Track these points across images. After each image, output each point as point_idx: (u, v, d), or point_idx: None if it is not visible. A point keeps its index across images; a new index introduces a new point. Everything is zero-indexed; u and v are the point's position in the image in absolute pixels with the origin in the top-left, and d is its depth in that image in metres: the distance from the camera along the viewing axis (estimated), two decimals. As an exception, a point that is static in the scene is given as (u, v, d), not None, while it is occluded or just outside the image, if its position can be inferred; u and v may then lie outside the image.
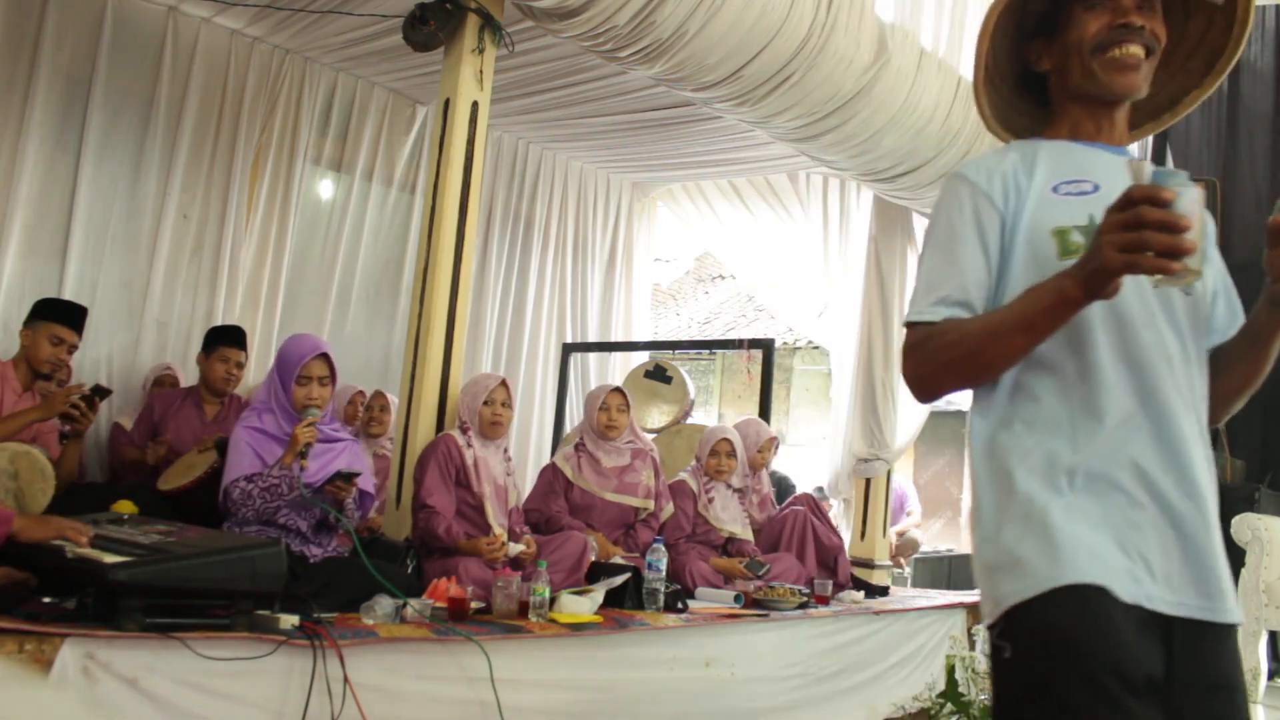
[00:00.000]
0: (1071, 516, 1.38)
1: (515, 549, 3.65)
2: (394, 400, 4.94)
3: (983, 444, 1.49)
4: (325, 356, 3.41)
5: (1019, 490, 1.41)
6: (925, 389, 1.52)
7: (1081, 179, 1.52)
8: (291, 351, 3.43)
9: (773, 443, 5.13)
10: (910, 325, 1.52)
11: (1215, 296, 1.57)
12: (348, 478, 3.28)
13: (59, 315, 3.87)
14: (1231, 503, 5.13)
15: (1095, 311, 1.41)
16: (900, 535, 7.58)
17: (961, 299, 1.48)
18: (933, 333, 1.48)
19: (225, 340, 4.37)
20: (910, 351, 1.51)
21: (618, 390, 4.50)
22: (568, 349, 6.68)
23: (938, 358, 1.47)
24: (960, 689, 3.42)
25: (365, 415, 4.95)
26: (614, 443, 4.43)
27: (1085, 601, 1.33)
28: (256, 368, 5.12)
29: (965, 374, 1.48)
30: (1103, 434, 1.41)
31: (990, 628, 1.43)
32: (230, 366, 4.33)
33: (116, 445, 4.44)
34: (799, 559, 4.75)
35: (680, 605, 3.74)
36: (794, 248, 6.93)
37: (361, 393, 5.09)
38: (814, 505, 5.02)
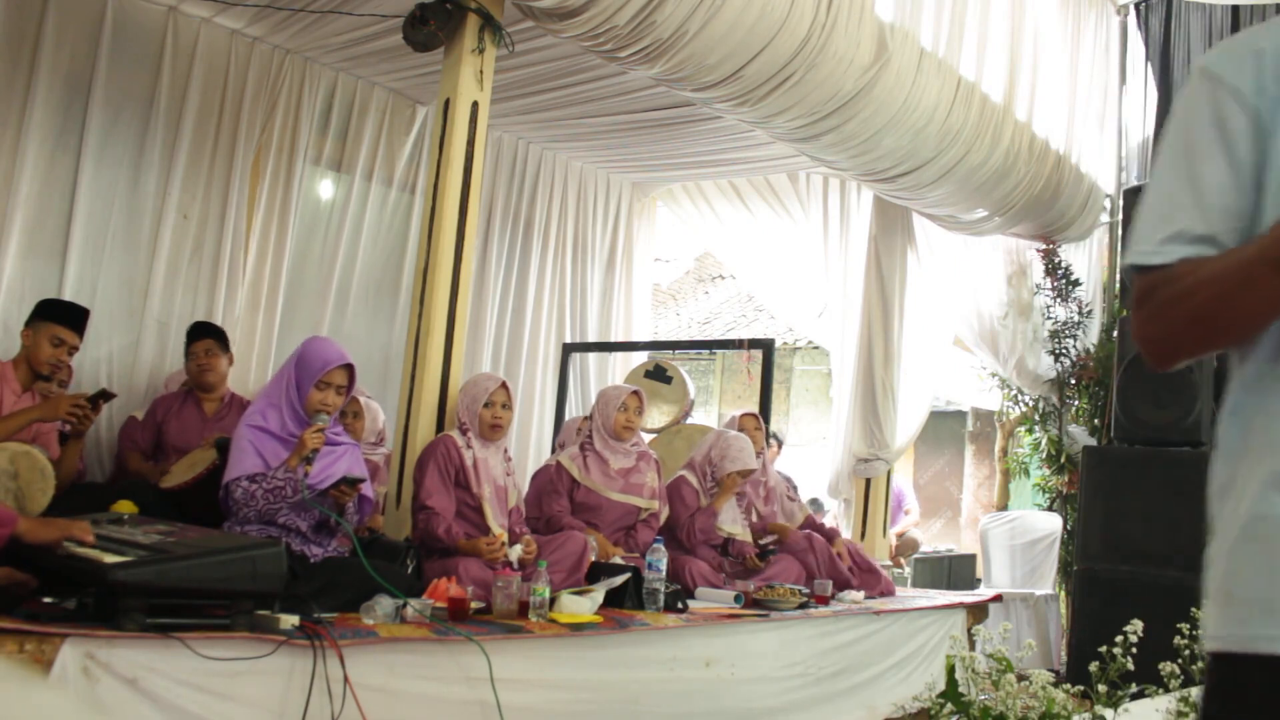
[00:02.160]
0: None
1: (514, 553, 3.64)
2: (371, 404, 4.89)
3: (1228, 415, 1.15)
4: (349, 368, 3.43)
5: (1250, 495, 1.08)
6: (1159, 353, 1.16)
7: None
8: (316, 354, 3.43)
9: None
10: (1137, 270, 1.16)
11: None
12: (352, 483, 3.30)
13: (60, 316, 3.87)
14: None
15: None
16: (900, 535, 7.58)
17: (1203, 233, 1.11)
18: (1164, 279, 1.12)
19: (192, 337, 4.45)
20: (1138, 305, 1.15)
21: (636, 392, 4.50)
22: (568, 349, 6.68)
23: (1170, 313, 1.11)
24: (960, 689, 3.41)
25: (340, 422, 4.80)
26: (623, 444, 4.42)
27: None
28: (257, 367, 5.13)
29: (1207, 333, 1.11)
30: None
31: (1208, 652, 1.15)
32: (199, 359, 4.37)
33: (127, 439, 4.44)
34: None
35: (680, 605, 3.73)
36: (794, 248, 6.93)
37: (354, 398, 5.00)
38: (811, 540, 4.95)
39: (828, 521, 7.48)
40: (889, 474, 6.21)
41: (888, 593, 5.04)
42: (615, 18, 3.74)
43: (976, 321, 6.66)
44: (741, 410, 5.28)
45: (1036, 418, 6.99)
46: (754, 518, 4.92)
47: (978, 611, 5.22)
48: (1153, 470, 5.29)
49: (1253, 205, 1.12)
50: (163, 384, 4.76)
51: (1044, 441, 6.90)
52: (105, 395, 3.76)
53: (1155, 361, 1.17)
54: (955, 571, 6.90)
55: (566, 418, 6.43)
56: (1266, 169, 1.11)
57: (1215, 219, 1.12)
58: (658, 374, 6.04)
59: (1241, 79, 1.12)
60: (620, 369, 6.89)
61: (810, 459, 9.36)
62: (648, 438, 5.59)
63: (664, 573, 3.70)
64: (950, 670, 3.52)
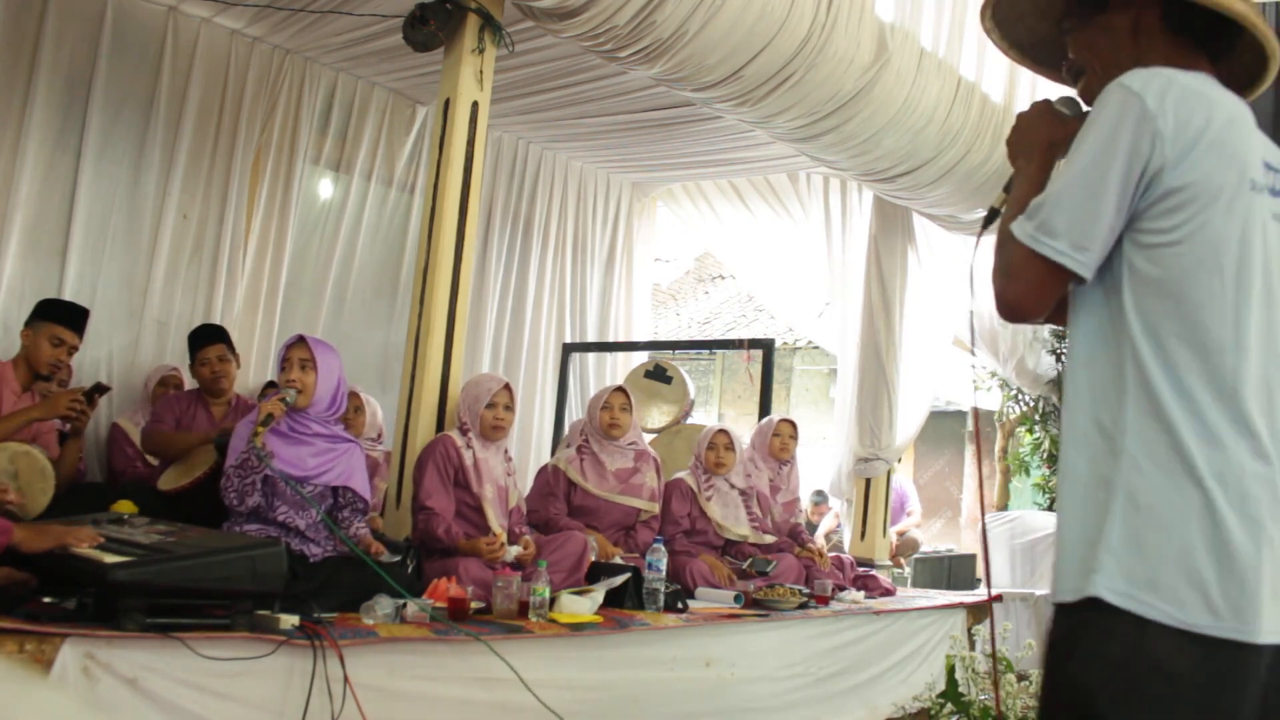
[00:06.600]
0: None
1: (513, 552, 3.64)
2: (371, 401, 4.89)
3: None
4: (303, 341, 3.36)
5: None
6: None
7: None
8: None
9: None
10: (1040, 256, 1.41)
11: None
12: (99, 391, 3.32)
13: (60, 316, 3.86)
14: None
15: None
16: (900, 535, 7.58)
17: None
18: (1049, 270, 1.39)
19: (200, 341, 4.26)
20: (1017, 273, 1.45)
21: (620, 390, 4.49)
22: (568, 349, 6.67)
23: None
24: (960, 689, 3.41)
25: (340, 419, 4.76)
26: (617, 444, 4.41)
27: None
28: (256, 367, 5.13)
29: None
30: None
31: None
32: (212, 365, 4.19)
33: (118, 446, 4.43)
34: None
35: (680, 605, 3.73)
36: (794, 248, 6.93)
37: (355, 394, 4.99)
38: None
39: (829, 521, 7.51)
40: (889, 474, 6.21)
41: (888, 593, 5.05)
42: (615, 18, 3.74)
43: (976, 321, 6.66)
44: (779, 416, 5.40)
45: (1036, 418, 6.99)
46: (769, 524, 4.92)
47: (978, 611, 5.22)
48: (1152, 470, 5.27)
49: None
50: (144, 383, 4.71)
51: (1044, 441, 6.90)
52: (100, 389, 3.76)
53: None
54: (955, 571, 6.89)
55: (566, 418, 6.43)
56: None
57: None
58: (658, 374, 6.04)
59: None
60: (620, 369, 6.89)
61: (811, 459, 9.36)
62: (648, 438, 5.59)
63: (664, 573, 3.70)
64: (950, 670, 3.52)
